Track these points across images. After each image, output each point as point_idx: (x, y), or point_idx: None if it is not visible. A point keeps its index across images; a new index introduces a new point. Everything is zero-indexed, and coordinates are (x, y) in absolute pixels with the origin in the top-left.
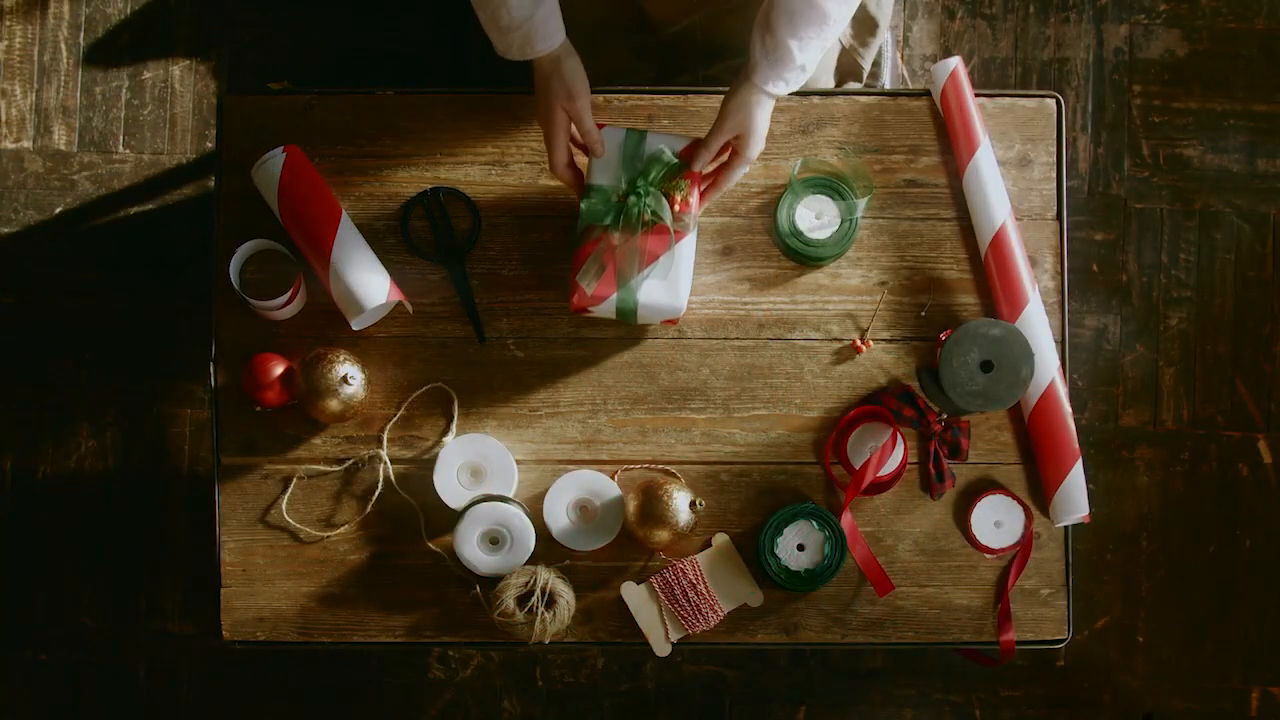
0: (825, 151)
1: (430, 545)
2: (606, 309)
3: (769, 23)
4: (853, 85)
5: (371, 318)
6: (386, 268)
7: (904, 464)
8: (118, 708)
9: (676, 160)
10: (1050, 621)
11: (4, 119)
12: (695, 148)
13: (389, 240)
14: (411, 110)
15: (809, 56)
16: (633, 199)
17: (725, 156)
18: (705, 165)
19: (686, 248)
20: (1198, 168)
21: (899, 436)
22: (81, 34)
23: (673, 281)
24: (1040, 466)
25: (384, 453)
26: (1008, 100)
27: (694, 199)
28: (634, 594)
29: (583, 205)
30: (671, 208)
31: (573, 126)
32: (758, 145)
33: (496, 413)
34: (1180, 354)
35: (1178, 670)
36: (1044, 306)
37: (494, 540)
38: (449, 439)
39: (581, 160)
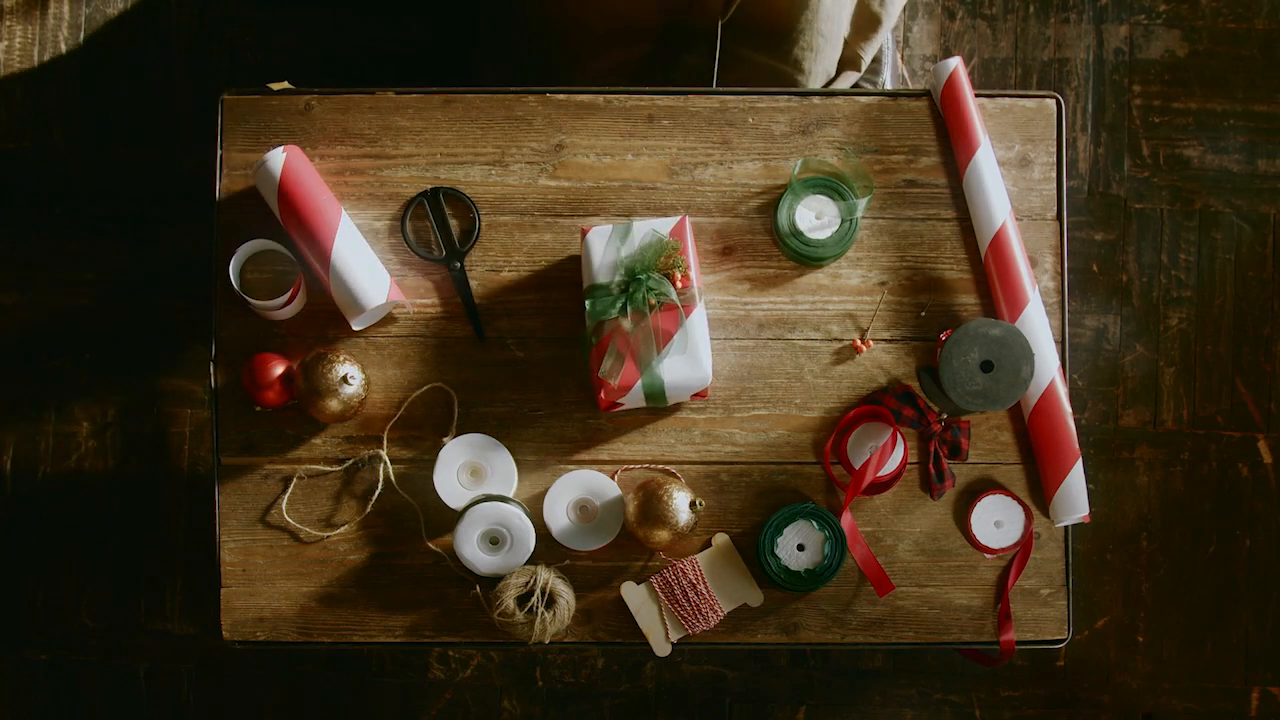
0: (825, 151)
1: (430, 545)
2: (635, 397)
3: None
4: (852, 84)
5: (371, 318)
6: (386, 268)
7: (904, 464)
8: (118, 708)
9: (668, 238)
10: (1050, 621)
11: (4, 119)
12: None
13: (389, 240)
14: (411, 110)
15: None
16: (634, 285)
17: None
18: None
19: (698, 319)
20: (1198, 168)
21: (899, 436)
22: (81, 34)
23: (692, 355)
24: (1040, 466)
25: (384, 453)
26: (1007, 100)
27: (694, 273)
28: (634, 594)
29: (587, 305)
30: (674, 285)
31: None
32: None
33: (496, 413)
34: (1180, 354)
35: (1178, 670)
36: (1044, 306)
37: (494, 540)
38: (449, 439)
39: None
